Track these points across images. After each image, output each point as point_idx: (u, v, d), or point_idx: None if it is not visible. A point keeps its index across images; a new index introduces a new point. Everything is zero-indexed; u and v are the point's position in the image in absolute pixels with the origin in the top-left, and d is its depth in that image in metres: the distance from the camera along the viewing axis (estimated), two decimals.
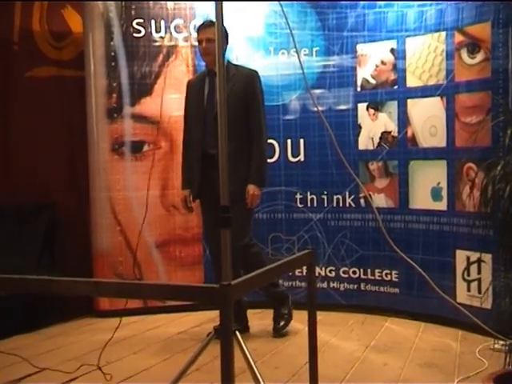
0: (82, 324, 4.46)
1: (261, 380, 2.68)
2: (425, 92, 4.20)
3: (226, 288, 1.60)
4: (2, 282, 1.87)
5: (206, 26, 3.84)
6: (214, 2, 2.52)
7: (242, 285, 1.72)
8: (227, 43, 3.94)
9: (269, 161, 4.30)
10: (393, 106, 4.36)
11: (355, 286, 4.58)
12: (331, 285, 4.63)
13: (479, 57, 3.89)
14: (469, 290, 3.96)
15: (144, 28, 4.60)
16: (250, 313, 4.16)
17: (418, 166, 4.27)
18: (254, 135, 3.89)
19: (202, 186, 3.86)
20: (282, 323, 4.03)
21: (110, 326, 4.33)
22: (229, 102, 3.84)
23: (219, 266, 2.56)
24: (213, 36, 3.77)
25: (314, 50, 4.59)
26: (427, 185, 4.21)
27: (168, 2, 4.60)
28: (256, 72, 3.95)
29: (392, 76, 4.36)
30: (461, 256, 4.02)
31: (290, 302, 4.11)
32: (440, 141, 4.13)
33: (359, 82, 4.49)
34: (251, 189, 3.85)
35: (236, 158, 3.85)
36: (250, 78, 3.91)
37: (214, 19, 3.78)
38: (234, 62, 4.15)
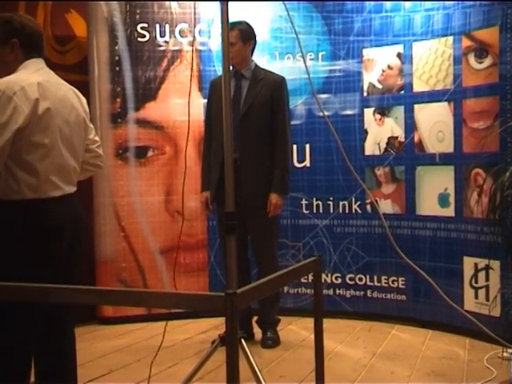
0: (84, 331, 4.40)
1: None
2: (432, 97, 4.16)
3: (231, 296, 1.56)
4: (4, 290, 1.83)
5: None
6: (219, 3, 2.49)
7: (248, 293, 1.68)
8: (254, 42, 3.91)
9: None
10: (399, 111, 4.32)
11: (361, 293, 4.53)
12: (337, 291, 4.58)
13: (487, 62, 3.85)
14: (476, 297, 3.92)
15: (148, 32, 4.57)
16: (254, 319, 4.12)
17: (425, 171, 4.23)
18: (277, 141, 3.84)
19: (219, 189, 3.66)
20: (269, 342, 3.92)
21: (113, 333, 4.31)
22: (255, 106, 3.87)
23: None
24: (233, 40, 3.74)
25: (320, 54, 4.56)
26: (434, 191, 4.17)
27: (173, 6, 4.58)
28: (284, 78, 3.92)
29: (399, 81, 4.33)
30: (468, 263, 3.97)
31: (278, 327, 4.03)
32: (447, 146, 4.09)
33: (365, 87, 4.46)
34: (274, 197, 3.80)
35: (258, 163, 3.81)
36: (278, 83, 3.87)
37: (236, 21, 3.79)
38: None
